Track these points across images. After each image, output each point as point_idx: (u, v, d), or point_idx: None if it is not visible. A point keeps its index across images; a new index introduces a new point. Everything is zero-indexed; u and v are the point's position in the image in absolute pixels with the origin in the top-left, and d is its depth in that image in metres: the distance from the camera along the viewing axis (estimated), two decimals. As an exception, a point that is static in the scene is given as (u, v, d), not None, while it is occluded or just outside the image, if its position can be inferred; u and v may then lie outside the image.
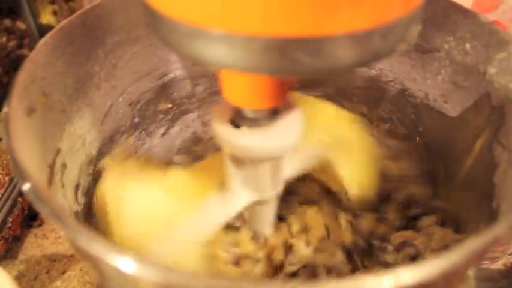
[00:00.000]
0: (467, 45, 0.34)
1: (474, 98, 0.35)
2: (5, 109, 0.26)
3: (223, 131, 0.27)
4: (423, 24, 0.36)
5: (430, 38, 0.37)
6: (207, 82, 0.44)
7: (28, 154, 0.25)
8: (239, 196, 0.31)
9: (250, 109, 0.26)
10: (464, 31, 0.34)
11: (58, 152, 0.30)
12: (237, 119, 0.27)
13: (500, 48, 0.32)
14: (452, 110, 0.37)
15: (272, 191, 0.32)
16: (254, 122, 0.27)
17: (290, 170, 0.33)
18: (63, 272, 0.46)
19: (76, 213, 0.31)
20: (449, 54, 0.36)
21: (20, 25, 0.70)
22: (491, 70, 0.33)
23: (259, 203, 0.32)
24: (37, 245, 0.49)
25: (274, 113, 0.27)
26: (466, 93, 0.35)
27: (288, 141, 0.27)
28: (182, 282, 0.18)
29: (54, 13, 0.70)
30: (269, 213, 0.34)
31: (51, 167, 0.29)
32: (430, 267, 0.18)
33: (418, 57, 0.39)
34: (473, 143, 0.34)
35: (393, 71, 0.41)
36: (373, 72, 0.42)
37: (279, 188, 0.32)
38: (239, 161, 0.29)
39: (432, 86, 0.39)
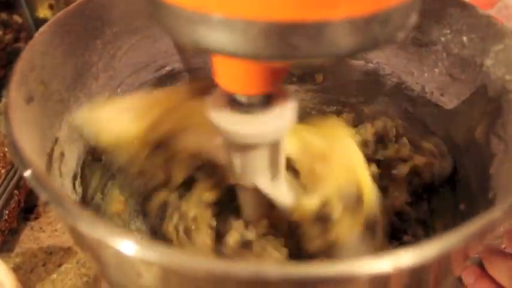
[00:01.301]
0: (464, 38, 0.35)
1: (471, 90, 0.35)
2: (3, 100, 0.26)
3: (220, 119, 0.27)
4: (420, 17, 0.37)
5: (427, 31, 0.37)
6: (205, 75, 0.44)
7: (27, 141, 0.25)
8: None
9: (244, 95, 0.26)
10: (461, 24, 0.35)
11: (56, 140, 0.30)
12: (232, 106, 0.27)
13: (497, 41, 0.32)
14: (449, 102, 0.37)
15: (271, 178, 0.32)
16: (248, 108, 0.27)
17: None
18: (60, 265, 0.46)
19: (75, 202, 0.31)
20: (446, 47, 0.36)
21: (17, 19, 0.70)
22: (488, 62, 0.33)
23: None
24: (33, 237, 0.49)
25: (267, 99, 0.27)
26: (463, 86, 0.36)
27: (283, 125, 0.28)
28: (183, 264, 0.18)
29: (51, 7, 0.70)
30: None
31: (50, 155, 0.29)
32: (428, 250, 0.18)
33: (415, 51, 0.39)
34: (470, 134, 0.35)
35: (390, 64, 0.41)
36: (371, 65, 0.43)
37: (279, 175, 0.32)
38: (238, 147, 0.30)
39: (429, 79, 0.39)
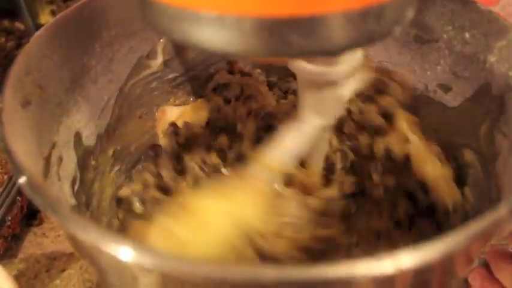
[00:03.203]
0: (467, 34, 0.34)
1: (474, 88, 0.34)
2: (-1, 104, 0.26)
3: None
4: (421, 14, 0.36)
5: (429, 28, 0.37)
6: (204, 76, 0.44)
7: (23, 146, 0.25)
8: (309, 120, 0.33)
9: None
10: (463, 20, 0.34)
11: (54, 145, 0.30)
12: None
13: (500, 36, 0.32)
14: (453, 100, 0.37)
15: (335, 116, 0.33)
16: None
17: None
18: (63, 270, 0.46)
19: (73, 207, 0.31)
20: (449, 44, 0.36)
21: (19, 26, 0.70)
22: (491, 58, 0.32)
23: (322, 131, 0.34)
24: (37, 243, 0.49)
25: None
26: (466, 83, 0.35)
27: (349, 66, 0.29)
28: (180, 269, 0.18)
29: (53, 13, 0.70)
30: (325, 145, 0.37)
31: (47, 159, 0.28)
32: (430, 251, 0.18)
33: (417, 48, 0.38)
34: (474, 132, 0.34)
35: (392, 62, 0.41)
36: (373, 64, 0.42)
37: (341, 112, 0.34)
38: (311, 86, 0.30)
39: (432, 77, 0.38)
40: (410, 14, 0.21)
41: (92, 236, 0.20)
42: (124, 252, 0.19)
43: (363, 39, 0.19)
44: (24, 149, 0.24)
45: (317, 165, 0.38)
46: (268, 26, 0.18)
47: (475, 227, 0.19)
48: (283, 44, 0.18)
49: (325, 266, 0.17)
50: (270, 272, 0.17)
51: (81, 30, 0.34)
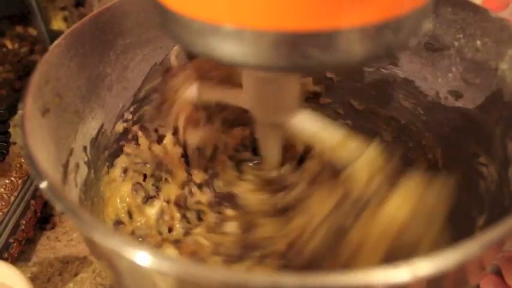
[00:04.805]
0: (478, 42, 0.34)
1: (486, 95, 0.35)
2: (19, 112, 0.26)
3: None
4: (433, 22, 0.37)
5: (440, 36, 0.37)
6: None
7: (43, 153, 0.25)
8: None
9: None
10: (475, 28, 0.34)
11: (71, 152, 0.30)
12: None
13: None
14: (464, 108, 0.37)
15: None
16: None
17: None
18: (76, 274, 0.47)
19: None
20: (460, 52, 0.36)
21: (32, 31, 0.71)
22: (503, 66, 0.33)
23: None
24: (50, 247, 0.49)
25: None
26: (478, 90, 0.35)
27: None
28: (198, 275, 0.18)
29: (65, 19, 0.71)
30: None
31: (65, 166, 0.29)
32: (447, 258, 0.18)
33: (429, 56, 0.39)
34: (486, 140, 0.34)
35: (403, 70, 0.41)
36: (384, 71, 0.42)
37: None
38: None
39: (443, 84, 0.38)
40: (426, 25, 0.21)
41: (111, 241, 0.20)
42: (143, 258, 0.19)
43: (381, 52, 0.20)
44: (44, 155, 0.25)
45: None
46: (286, 40, 0.18)
47: (491, 235, 0.19)
48: (302, 57, 0.19)
49: (343, 274, 0.17)
50: (288, 280, 0.17)
51: (96, 39, 0.34)
